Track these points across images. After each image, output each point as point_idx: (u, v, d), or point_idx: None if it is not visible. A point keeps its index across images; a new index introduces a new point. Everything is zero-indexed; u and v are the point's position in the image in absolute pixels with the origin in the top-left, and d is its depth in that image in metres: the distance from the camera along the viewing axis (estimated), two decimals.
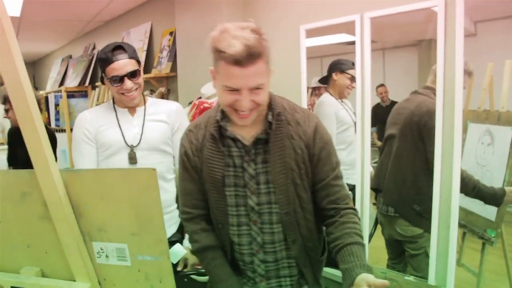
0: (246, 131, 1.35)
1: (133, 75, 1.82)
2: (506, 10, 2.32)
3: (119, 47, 1.82)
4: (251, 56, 1.14)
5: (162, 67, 3.65)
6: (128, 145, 1.87)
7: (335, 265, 2.19)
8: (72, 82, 5.67)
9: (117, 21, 4.83)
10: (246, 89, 1.19)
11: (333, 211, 1.33)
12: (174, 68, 3.52)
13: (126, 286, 1.16)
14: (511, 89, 2.22)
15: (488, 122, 2.23)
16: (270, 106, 1.34)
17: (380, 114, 2.78)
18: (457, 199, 1.91)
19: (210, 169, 1.35)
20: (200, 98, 2.69)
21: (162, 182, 1.92)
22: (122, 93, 1.84)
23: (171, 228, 1.98)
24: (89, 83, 5.36)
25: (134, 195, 1.05)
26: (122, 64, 1.79)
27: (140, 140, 1.89)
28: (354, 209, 1.35)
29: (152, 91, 3.74)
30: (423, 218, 2.09)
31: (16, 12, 4.19)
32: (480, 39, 2.39)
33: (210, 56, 1.22)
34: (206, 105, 2.55)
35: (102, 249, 1.13)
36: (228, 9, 2.91)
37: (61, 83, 6.08)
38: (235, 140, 1.35)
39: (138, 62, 1.88)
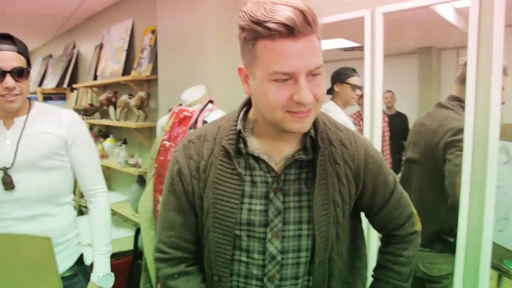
0: (276, 150, 1.02)
1: (19, 74, 1.46)
2: None
3: (6, 37, 1.45)
4: (304, 22, 0.83)
5: (142, 69, 3.28)
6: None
7: None
8: (49, 83, 5.28)
9: (97, 18, 4.45)
10: (303, 73, 0.85)
11: (391, 238, 1.16)
12: (155, 70, 3.15)
13: None
14: None
15: (504, 139, 1.93)
16: None
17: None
18: (490, 235, 1.57)
19: (219, 198, 1.01)
20: (181, 105, 2.33)
21: (52, 207, 1.57)
22: (1, 95, 1.46)
23: (66, 261, 1.60)
24: (68, 85, 4.95)
25: (30, 259, 0.90)
26: (7, 57, 1.43)
27: (14, 160, 1.51)
28: (415, 232, 1.15)
29: (131, 95, 3.36)
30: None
31: None
32: None
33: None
34: (186, 113, 2.19)
35: None
36: (216, 5, 2.53)
37: (40, 83, 5.67)
38: (258, 160, 1.01)
39: (29, 64, 1.52)
